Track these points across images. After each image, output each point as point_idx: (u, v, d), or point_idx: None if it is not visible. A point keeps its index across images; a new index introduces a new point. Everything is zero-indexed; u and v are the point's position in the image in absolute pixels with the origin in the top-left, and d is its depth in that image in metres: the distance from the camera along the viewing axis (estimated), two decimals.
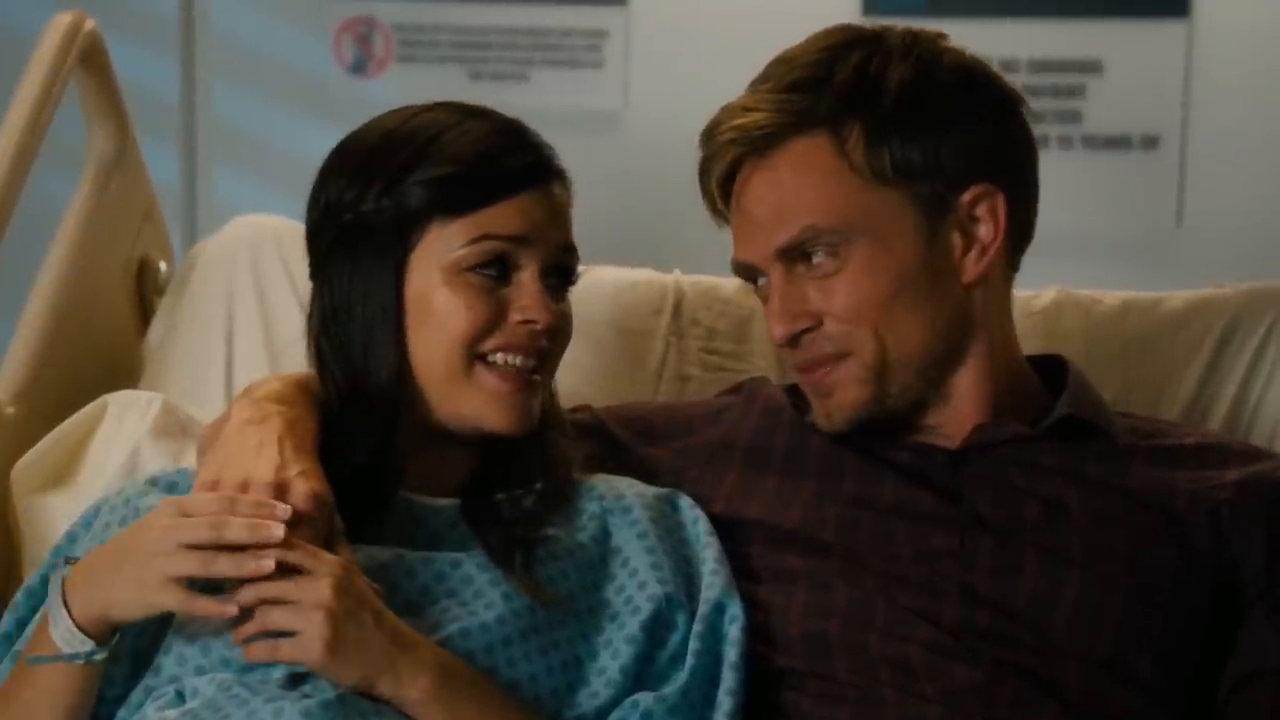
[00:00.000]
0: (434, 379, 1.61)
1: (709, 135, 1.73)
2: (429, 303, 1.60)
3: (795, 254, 1.69)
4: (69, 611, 1.47)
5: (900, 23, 1.76)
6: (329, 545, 1.50)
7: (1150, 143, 3.05)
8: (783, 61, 1.72)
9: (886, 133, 1.67)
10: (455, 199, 1.60)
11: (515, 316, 1.60)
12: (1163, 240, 3.07)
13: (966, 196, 1.69)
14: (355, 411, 1.62)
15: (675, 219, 3.12)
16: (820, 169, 1.68)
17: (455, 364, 1.60)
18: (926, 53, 1.70)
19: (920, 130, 1.67)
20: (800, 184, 1.68)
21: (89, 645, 1.47)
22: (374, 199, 1.61)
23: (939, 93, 1.69)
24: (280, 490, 1.50)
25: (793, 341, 1.70)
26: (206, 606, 1.45)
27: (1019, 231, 1.73)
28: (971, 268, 1.70)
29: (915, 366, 1.69)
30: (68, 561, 1.50)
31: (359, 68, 3.33)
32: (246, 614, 1.46)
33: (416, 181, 1.60)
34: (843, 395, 1.70)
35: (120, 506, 1.62)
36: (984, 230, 1.70)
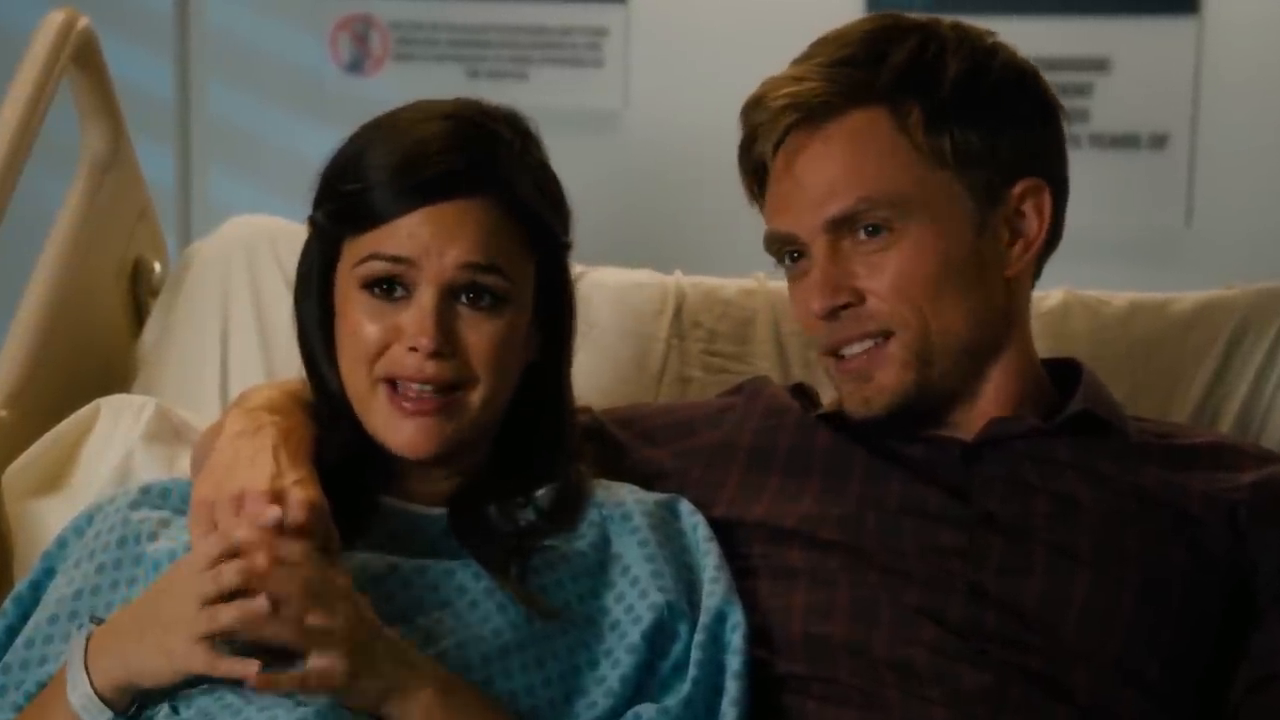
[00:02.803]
0: (351, 395, 1.61)
1: (756, 104, 1.72)
2: (342, 319, 1.61)
3: (845, 227, 1.68)
4: (90, 680, 1.45)
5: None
6: (325, 554, 1.49)
7: (1159, 141, 3.05)
8: (830, 40, 1.72)
9: (947, 117, 1.67)
10: (353, 216, 1.59)
11: (405, 341, 1.57)
12: (1171, 240, 3.06)
13: (1018, 189, 1.70)
14: (328, 417, 1.63)
15: (676, 219, 3.13)
16: (880, 141, 1.68)
17: (361, 383, 1.59)
18: (980, 48, 1.71)
19: (978, 120, 1.68)
20: (858, 155, 1.68)
21: (108, 715, 1.46)
22: (317, 211, 1.63)
23: (994, 87, 1.70)
24: (276, 499, 1.49)
25: (832, 315, 1.68)
26: (230, 667, 1.43)
27: (1053, 233, 1.74)
28: (1015, 261, 1.71)
29: (955, 355, 1.69)
30: (92, 620, 1.49)
31: (356, 66, 3.32)
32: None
33: (335, 195, 1.61)
34: (884, 378, 1.69)
35: (112, 515, 1.61)
36: (1030, 225, 1.71)
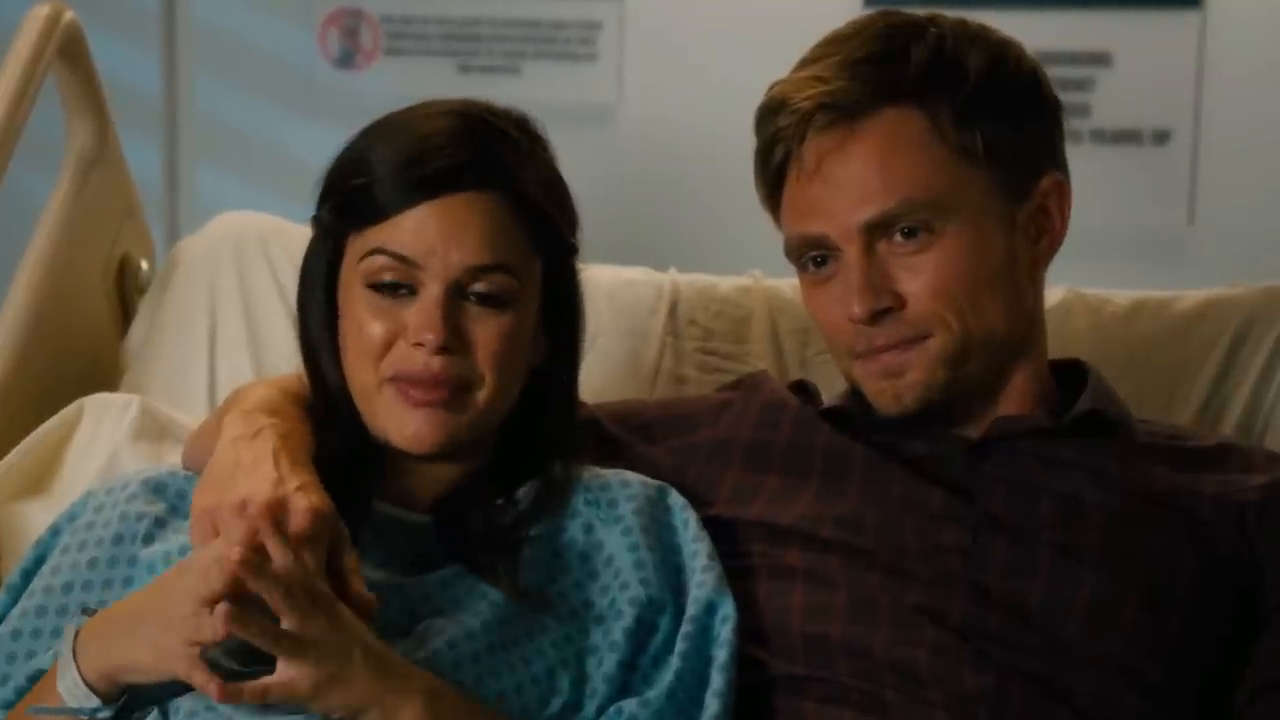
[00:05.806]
0: (356, 392, 1.60)
1: (778, 108, 1.68)
2: (347, 316, 1.60)
3: (882, 229, 1.66)
4: (78, 667, 1.45)
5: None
6: (335, 555, 1.48)
7: (1161, 137, 3.05)
8: (843, 39, 1.70)
9: (977, 113, 1.66)
10: (358, 211, 1.58)
11: (410, 337, 1.56)
12: (1174, 238, 3.06)
13: (1043, 185, 1.70)
14: (325, 413, 1.62)
15: (670, 215, 3.13)
16: (914, 141, 1.66)
17: (367, 381, 1.58)
18: (993, 41, 1.70)
19: (1005, 114, 1.67)
20: (895, 156, 1.66)
21: (95, 702, 1.46)
22: (321, 209, 1.62)
23: (1014, 82, 1.69)
24: (279, 507, 1.48)
25: (873, 319, 1.66)
26: (199, 681, 1.41)
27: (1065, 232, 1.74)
28: (1042, 259, 1.72)
29: (991, 353, 1.68)
30: (84, 612, 1.49)
31: (346, 61, 3.31)
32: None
33: (340, 191, 1.60)
34: (917, 376, 1.67)
35: (108, 507, 1.61)
36: (1054, 222, 1.72)
